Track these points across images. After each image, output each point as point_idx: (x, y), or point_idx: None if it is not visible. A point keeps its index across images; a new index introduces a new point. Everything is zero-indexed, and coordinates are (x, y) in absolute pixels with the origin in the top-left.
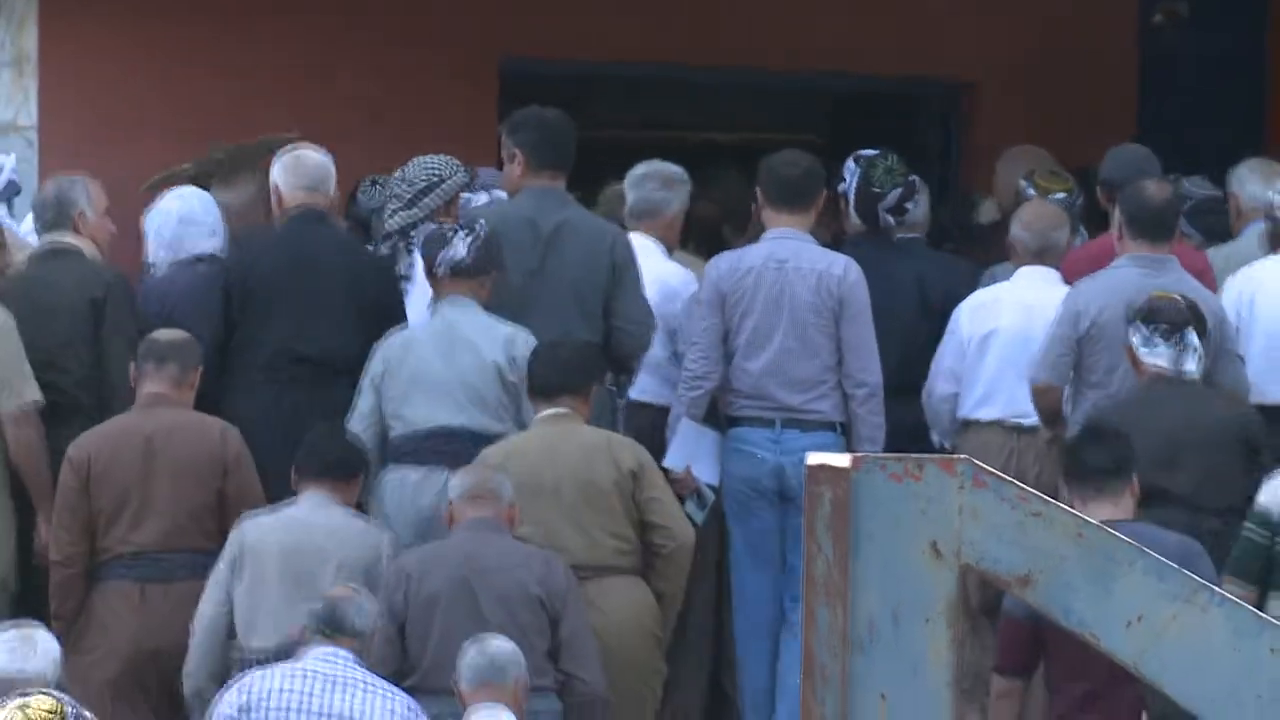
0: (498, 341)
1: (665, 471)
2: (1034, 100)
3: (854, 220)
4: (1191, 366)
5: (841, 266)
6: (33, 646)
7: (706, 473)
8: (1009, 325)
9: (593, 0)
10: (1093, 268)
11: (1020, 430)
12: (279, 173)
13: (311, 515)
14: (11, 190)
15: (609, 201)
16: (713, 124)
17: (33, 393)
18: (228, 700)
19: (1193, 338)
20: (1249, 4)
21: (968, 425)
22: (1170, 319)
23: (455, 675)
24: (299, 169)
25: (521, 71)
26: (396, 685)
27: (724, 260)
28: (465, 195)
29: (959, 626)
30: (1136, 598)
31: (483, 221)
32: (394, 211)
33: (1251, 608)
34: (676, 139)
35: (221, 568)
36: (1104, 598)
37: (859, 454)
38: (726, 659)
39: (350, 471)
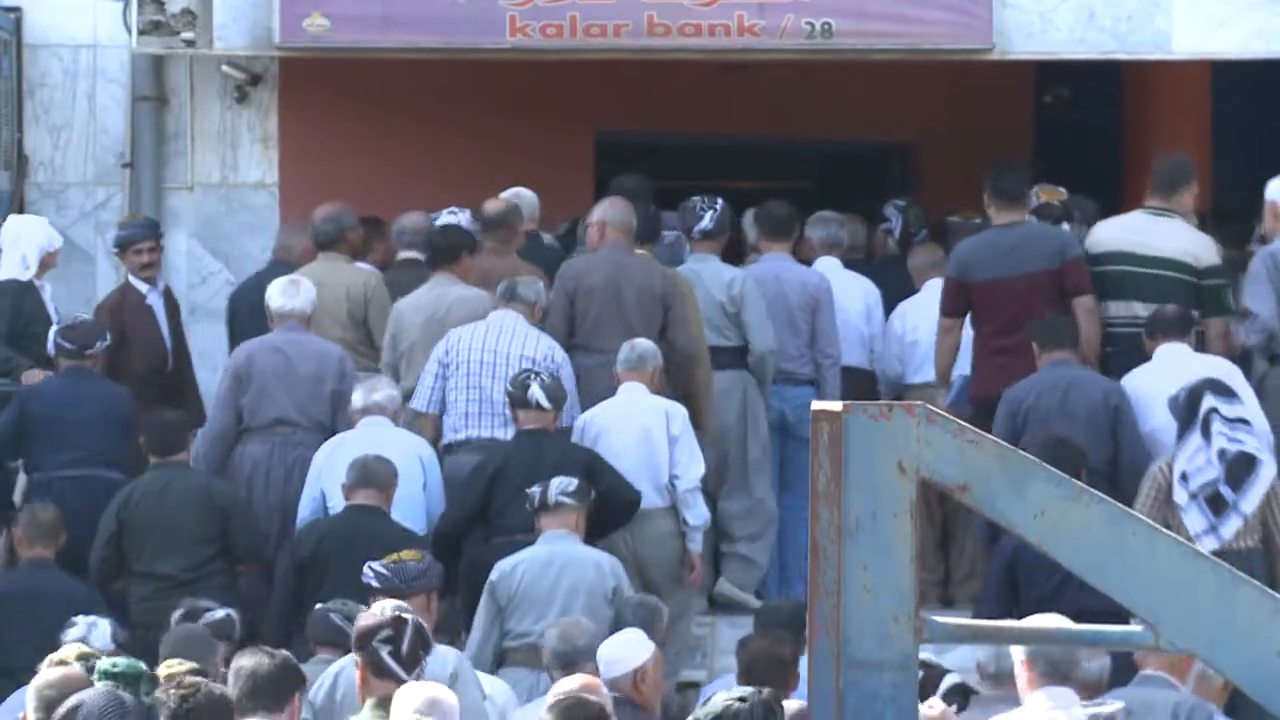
0: (722, 285)
1: None
2: (954, 159)
3: (892, 248)
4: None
5: (817, 277)
6: (298, 288)
7: None
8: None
9: (659, 91)
10: None
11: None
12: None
13: (455, 292)
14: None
15: None
16: (738, 174)
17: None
18: (437, 347)
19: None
20: (1113, 91)
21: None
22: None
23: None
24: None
25: (610, 142)
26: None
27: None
28: None
29: (918, 520)
30: (1040, 499)
31: (720, 200)
32: None
33: (1120, 505)
34: (712, 186)
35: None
36: (1018, 499)
37: (848, 401)
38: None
39: (454, 254)
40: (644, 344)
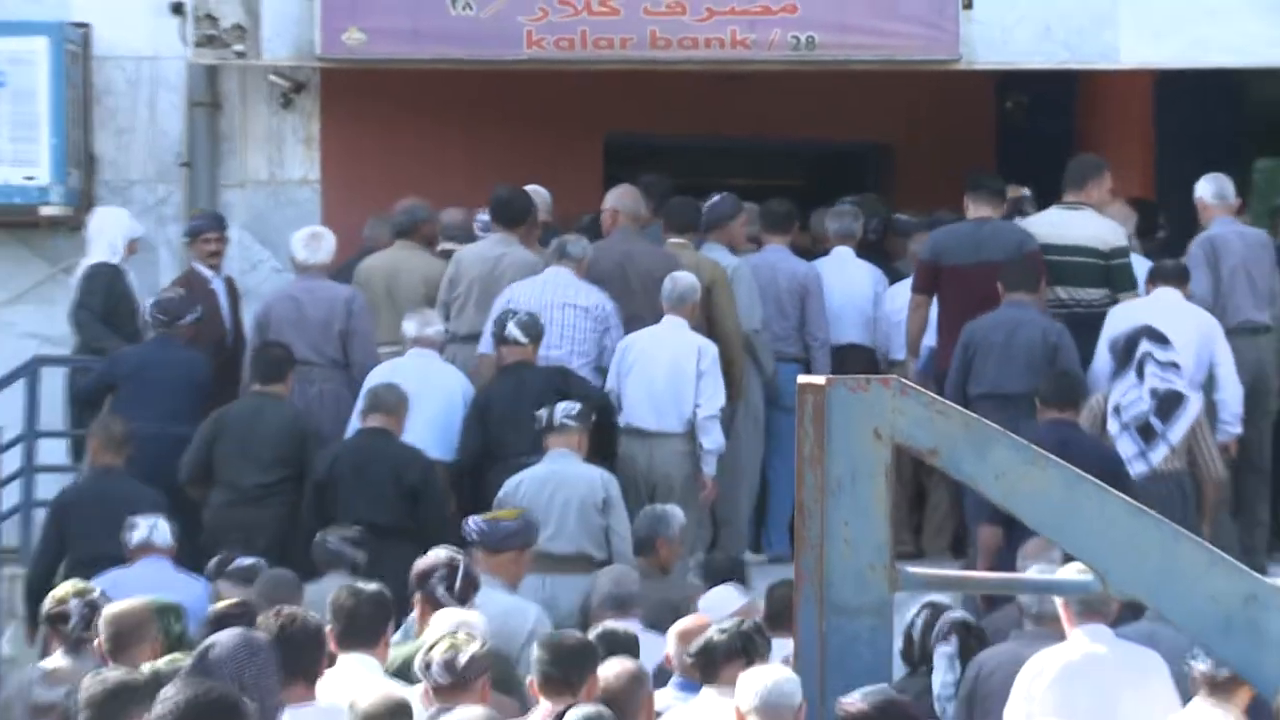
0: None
1: None
2: (927, 159)
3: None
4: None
5: (806, 268)
6: (319, 242)
7: None
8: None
9: (662, 98)
10: None
11: None
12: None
13: (515, 254)
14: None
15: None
16: (735, 173)
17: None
18: (499, 299)
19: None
20: (1064, 99)
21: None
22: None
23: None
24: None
25: (618, 144)
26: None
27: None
28: None
29: (892, 480)
30: (1001, 462)
31: (725, 195)
32: None
33: (1074, 469)
34: (715, 183)
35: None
36: (981, 462)
37: (830, 375)
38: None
39: (522, 217)
40: (684, 281)
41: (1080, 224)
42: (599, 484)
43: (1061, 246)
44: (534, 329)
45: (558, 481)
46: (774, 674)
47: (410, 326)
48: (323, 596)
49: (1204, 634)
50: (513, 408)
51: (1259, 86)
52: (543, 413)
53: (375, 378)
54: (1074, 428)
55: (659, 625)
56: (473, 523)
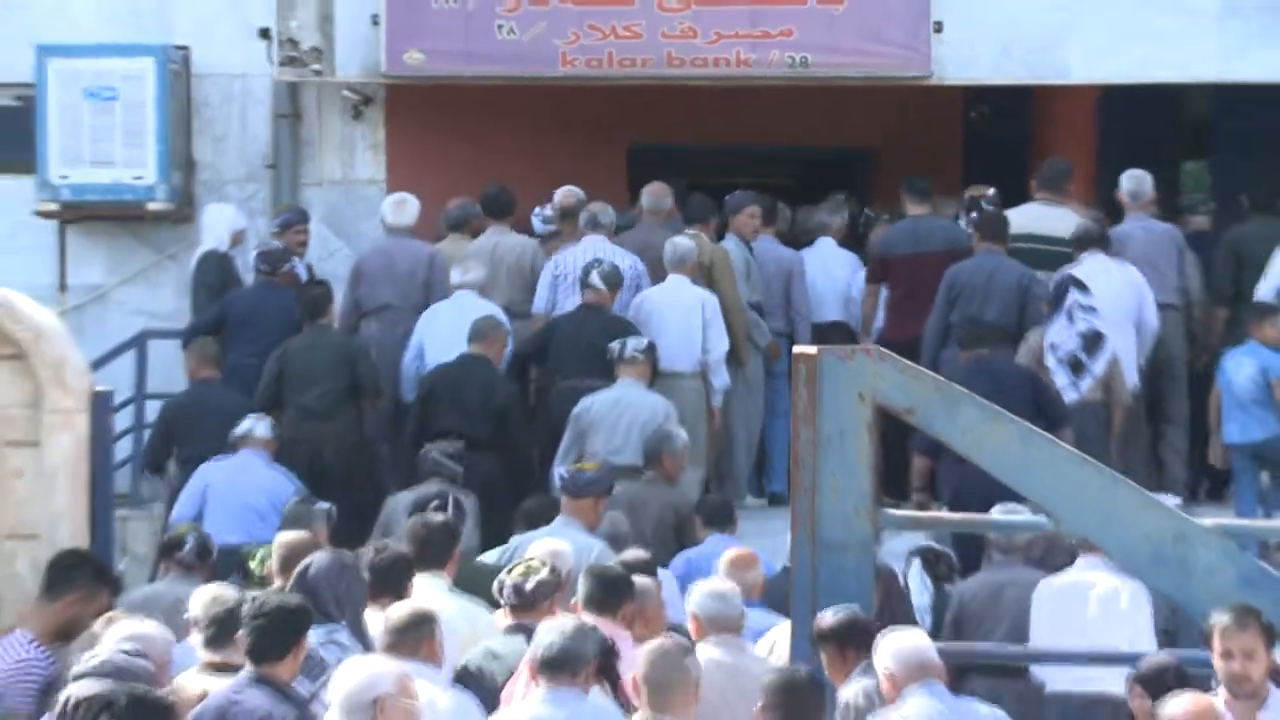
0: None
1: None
2: (907, 162)
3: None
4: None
5: (790, 255)
6: (404, 207)
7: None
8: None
9: (676, 110)
10: None
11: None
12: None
13: (508, 240)
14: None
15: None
16: (734, 174)
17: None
18: (548, 266)
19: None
20: (1020, 109)
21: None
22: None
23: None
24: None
25: (642, 152)
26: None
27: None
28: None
29: (874, 437)
30: (967, 420)
31: (737, 192)
32: None
33: (1030, 425)
34: (721, 184)
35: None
36: (950, 420)
37: (821, 346)
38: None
39: (509, 208)
40: (683, 245)
41: (1064, 219)
42: (660, 411)
43: (1044, 237)
44: (614, 279)
45: (625, 404)
46: (719, 586)
47: (455, 274)
48: (420, 496)
49: (1139, 567)
50: (574, 338)
51: (1190, 100)
52: (615, 345)
53: (428, 314)
54: (989, 359)
55: (663, 524)
56: (558, 471)
